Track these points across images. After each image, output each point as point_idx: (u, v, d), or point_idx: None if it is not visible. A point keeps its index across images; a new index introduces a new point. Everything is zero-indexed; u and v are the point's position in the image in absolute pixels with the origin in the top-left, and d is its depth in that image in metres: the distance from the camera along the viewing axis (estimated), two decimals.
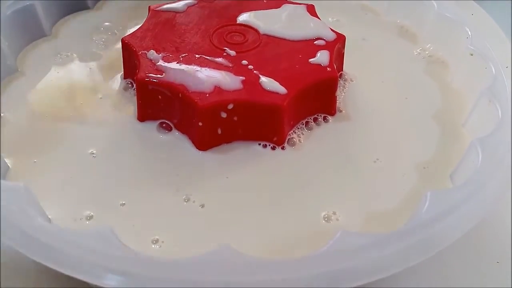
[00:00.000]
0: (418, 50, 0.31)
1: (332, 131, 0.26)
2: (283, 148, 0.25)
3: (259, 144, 0.25)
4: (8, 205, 0.18)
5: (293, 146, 0.25)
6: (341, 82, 0.27)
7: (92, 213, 0.22)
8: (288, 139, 0.25)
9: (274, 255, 0.21)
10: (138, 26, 0.28)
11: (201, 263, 0.17)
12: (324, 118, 0.26)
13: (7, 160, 0.24)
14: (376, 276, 0.17)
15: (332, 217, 0.22)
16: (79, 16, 0.33)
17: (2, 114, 0.26)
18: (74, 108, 0.27)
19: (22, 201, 0.19)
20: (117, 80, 0.28)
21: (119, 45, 0.27)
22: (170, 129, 0.25)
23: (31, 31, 0.30)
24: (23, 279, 0.22)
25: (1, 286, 0.22)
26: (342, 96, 0.27)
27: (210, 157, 0.24)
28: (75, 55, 0.30)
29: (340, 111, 0.26)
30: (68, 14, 0.33)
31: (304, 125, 0.26)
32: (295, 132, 0.25)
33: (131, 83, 0.27)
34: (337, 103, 0.26)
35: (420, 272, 0.23)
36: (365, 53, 0.30)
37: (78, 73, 0.29)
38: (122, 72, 0.28)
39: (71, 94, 0.28)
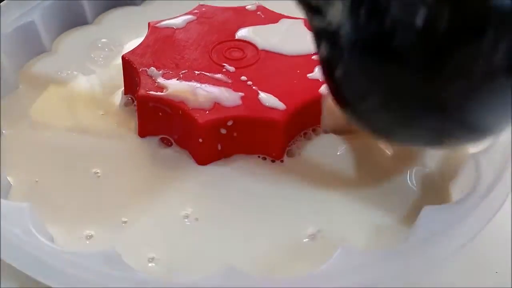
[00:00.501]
0: None
1: (331, 142, 0.26)
2: (282, 160, 0.25)
3: (259, 156, 0.25)
4: (12, 225, 0.19)
5: (292, 157, 0.25)
6: None
7: (92, 233, 0.22)
8: (288, 150, 0.25)
9: (272, 269, 0.21)
10: (137, 39, 0.28)
11: (202, 285, 0.17)
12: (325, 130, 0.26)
13: (9, 178, 0.24)
14: None
15: (332, 230, 0.22)
16: (78, 31, 0.33)
17: (3, 131, 0.26)
18: (75, 125, 0.27)
19: (26, 221, 0.19)
20: (118, 96, 0.28)
21: (119, 60, 0.27)
22: (170, 144, 0.26)
23: (32, 47, 0.30)
24: (23, 279, 0.22)
25: (1, 286, 0.22)
26: None
27: (210, 171, 0.24)
28: (75, 72, 0.30)
29: None
30: (68, 29, 0.33)
31: (302, 136, 0.26)
32: (294, 143, 0.25)
33: (132, 98, 0.28)
34: None
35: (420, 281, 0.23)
36: None
37: (79, 90, 0.29)
38: (123, 88, 0.28)
39: (72, 110, 0.28)
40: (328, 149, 0.26)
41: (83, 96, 0.29)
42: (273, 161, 0.25)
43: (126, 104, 0.28)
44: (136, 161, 0.25)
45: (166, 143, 0.26)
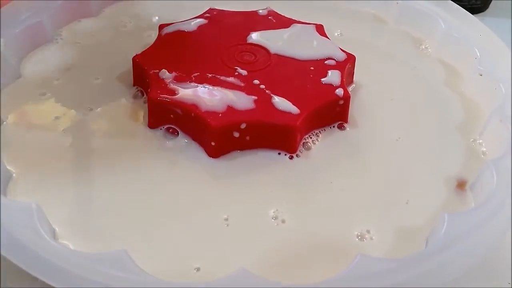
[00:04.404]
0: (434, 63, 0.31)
1: (349, 138, 0.25)
2: (297, 155, 0.24)
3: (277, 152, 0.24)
4: (20, 225, 0.18)
5: (307, 153, 0.24)
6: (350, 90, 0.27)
7: (103, 230, 0.21)
8: (303, 145, 0.25)
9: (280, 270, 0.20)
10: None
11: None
12: (339, 126, 0.26)
13: (9, 168, 0.23)
14: None
15: (345, 233, 0.21)
16: (83, 23, 0.32)
17: (4, 122, 0.25)
18: (82, 117, 0.26)
19: (33, 221, 0.19)
20: (127, 88, 0.28)
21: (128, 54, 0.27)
22: (177, 134, 0.25)
23: (36, 37, 0.30)
24: (23, 279, 0.22)
25: (1, 286, 0.22)
26: (354, 103, 0.27)
27: (222, 165, 0.24)
28: (82, 62, 0.29)
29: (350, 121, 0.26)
30: (73, 21, 0.32)
31: (320, 132, 0.25)
32: (311, 138, 0.25)
33: (141, 91, 0.27)
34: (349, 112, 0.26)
35: None
36: (374, 60, 0.30)
37: (87, 81, 0.28)
38: (132, 80, 0.28)
39: (79, 102, 0.27)
40: (345, 145, 0.25)
41: (91, 87, 0.28)
42: (291, 157, 0.24)
43: (134, 97, 0.27)
44: (146, 153, 0.24)
45: (173, 132, 0.25)
